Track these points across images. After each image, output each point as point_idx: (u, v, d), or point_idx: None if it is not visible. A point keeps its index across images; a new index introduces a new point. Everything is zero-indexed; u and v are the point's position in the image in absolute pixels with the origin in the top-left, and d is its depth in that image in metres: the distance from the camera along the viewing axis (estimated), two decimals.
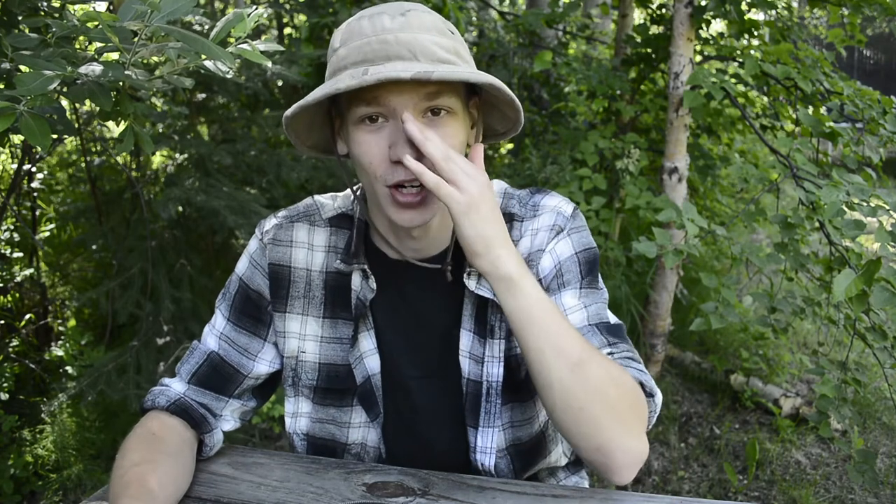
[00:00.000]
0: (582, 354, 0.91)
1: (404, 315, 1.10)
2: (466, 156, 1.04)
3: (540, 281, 1.06)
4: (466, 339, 1.07)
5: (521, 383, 1.09)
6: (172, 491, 0.97)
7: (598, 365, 0.92)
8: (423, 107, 0.93)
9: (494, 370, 1.07)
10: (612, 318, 1.09)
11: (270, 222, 1.14)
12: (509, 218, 1.08)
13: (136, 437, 1.04)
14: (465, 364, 1.08)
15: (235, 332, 1.14)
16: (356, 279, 1.08)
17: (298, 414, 1.15)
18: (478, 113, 1.05)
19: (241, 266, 1.15)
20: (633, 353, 1.08)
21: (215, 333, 1.15)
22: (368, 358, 1.09)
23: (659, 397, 1.04)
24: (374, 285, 1.06)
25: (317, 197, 1.16)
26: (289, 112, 0.94)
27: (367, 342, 1.09)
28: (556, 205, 1.09)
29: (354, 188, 1.12)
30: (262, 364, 1.14)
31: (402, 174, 0.93)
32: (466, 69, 0.93)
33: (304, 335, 1.12)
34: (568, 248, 1.07)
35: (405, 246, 1.06)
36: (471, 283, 1.05)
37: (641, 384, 1.01)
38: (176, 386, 1.14)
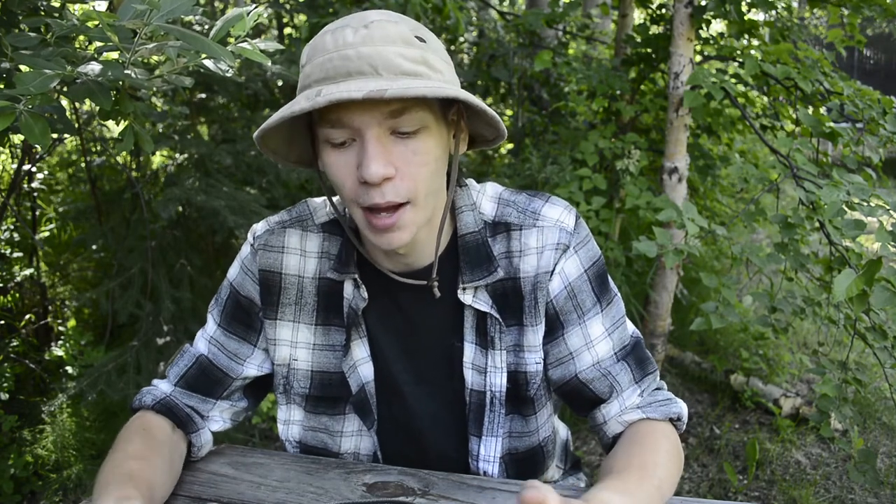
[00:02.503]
0: (664, 489, 0.94)
1: (398, 323, 1.08)
2: (449, 167, 1.01)
3: (550, 303, 1.05)
4: (470, 351, 1.06)
5: (525, 398, 1.09)
6: (164, 492, 0.98)
7: (669, 482, 0.96)
8: (388, 125, 0.89)
9: (497, 380, 1.06)
10: (630, 329, 1.11)
11: (262, 227, 1.12)
12: (506, 227, 1.06)
13: (130, 431, 1.05)
14: (469, 375, 1.07)
15: (226, 337, 1.13)
16: (348, 288, 1.07)
17: (290, 422, 1.14)
18: (459, 120, 1.00)
19: (233, 272, 1.14)
20: (656, 377, 1.11)
21: (206, 338, 1.14)
22: (362, 366, 1.08)
23: (685, 416, 1.08)
24: (365, 295, 1.05)
25: (310, 200, 1.14)
26: (257, 133, 0.91)
27: (361, 350, 1.08)
28: (557, 218, 1.05)
29: (336, 201, 1.10)
30: (252, 367, 1.13)
31: (375, 197, 0.89)
32: (429, 82, 0.88)
33: (295, 343, 1.11)
34: (576, 266, 1.05)
35: (394, 261, 1.05)
36: (466, 298, 1.04)
37: (670, 418, 1.06)
38: (163, 387, 1.14)
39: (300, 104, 0.84)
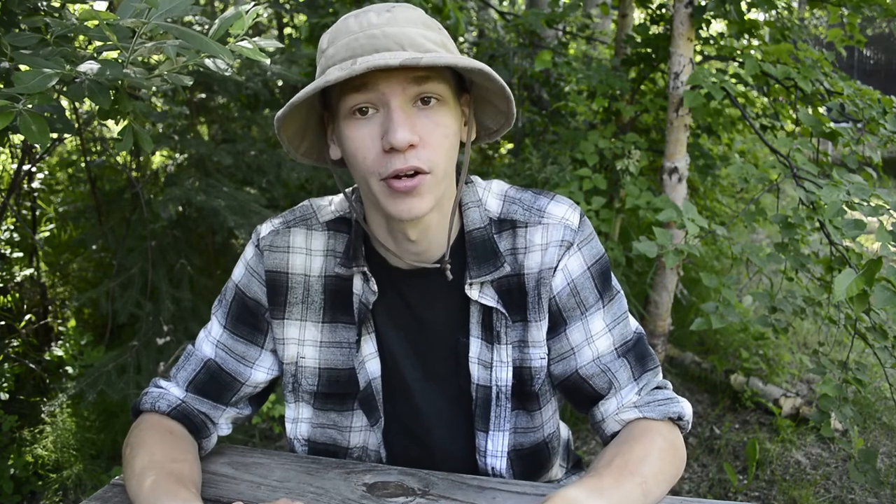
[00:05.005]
0: (649, 487, 0.94)
1: (405, 319, 1.09)
2: (461, 152, 1.03)
3: (553, 299, 1.06)
4: (476, 346, 1.07)
5: (530, 394, 1.09)
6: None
7: (658, 478, 0.96)
8: (412, 93, 0.92)
9: (503, 375, 1.07)
10: (633, 326, 1.11)
11: (266, 228, 1.13)
12: (511, 224, 1.07)
13: (153, 435, 1.05)
14: (475, 370, 1.07)
15: (232, 341, 1.13)
16: (357, 283, 1.08)
17: (299, 420, 1.14)
18: (469, 110, 1.04)
19: (238, 273, 1.14)
20: (657, 375, 1.10)
21: (212, 340, 1.14)
22: (369, 362, 1.09)
23: (688, 415, 1.07)
24: (375, 288, 1.05)
25: (313, 200, 1.15)
26: (280, 112, 0.92)
27: (368, 346, 1.09)
28: (562, 215, 1.06)
29: (348, 191, 1.11)
30: (260, 371, 1.13)
31: (397, 163, 0.91)
32: (456, 56, 0.92)
33: (302, 341, 1.11)
34: (579, 264, 1.06)
35: (404, 250, 1.05)
36: (473, 293, 1.04)
37: (671, 418, 1.05)
38: (174, 391, 1.13)
39: (334, 74, 0.86)
